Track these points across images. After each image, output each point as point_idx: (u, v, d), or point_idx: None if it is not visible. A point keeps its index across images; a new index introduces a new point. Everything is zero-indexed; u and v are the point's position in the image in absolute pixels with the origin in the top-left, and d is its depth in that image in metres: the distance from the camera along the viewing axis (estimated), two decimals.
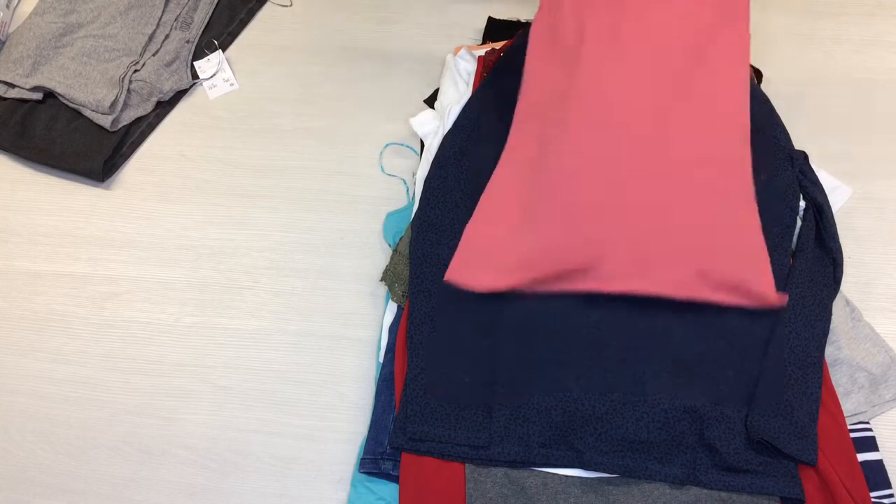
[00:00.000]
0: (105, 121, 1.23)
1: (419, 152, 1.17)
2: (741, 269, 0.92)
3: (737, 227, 0.94)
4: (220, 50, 1.32)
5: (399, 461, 0.90)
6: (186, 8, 1.36)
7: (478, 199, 1.02)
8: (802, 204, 0.99)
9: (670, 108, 1.00)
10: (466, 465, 0.89)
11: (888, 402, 0.91)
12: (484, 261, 0.96)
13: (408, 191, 1.15)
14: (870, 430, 0.90)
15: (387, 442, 0.92)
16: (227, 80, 1.30)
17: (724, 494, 0.85)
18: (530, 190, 0.99)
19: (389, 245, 1.10)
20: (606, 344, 0.92)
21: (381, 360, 1.00)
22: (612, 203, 0.95)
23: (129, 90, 1.26)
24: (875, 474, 0.87)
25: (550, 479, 0.88)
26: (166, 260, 1.14)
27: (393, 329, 1.00)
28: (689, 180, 0.97)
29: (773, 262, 0.95)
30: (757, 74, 1.16)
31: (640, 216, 0.94)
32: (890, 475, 0.88)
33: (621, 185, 0.96)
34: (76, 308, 1.12)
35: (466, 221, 1.00)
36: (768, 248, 0.95)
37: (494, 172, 1.02)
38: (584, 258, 0.93)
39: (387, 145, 1.20)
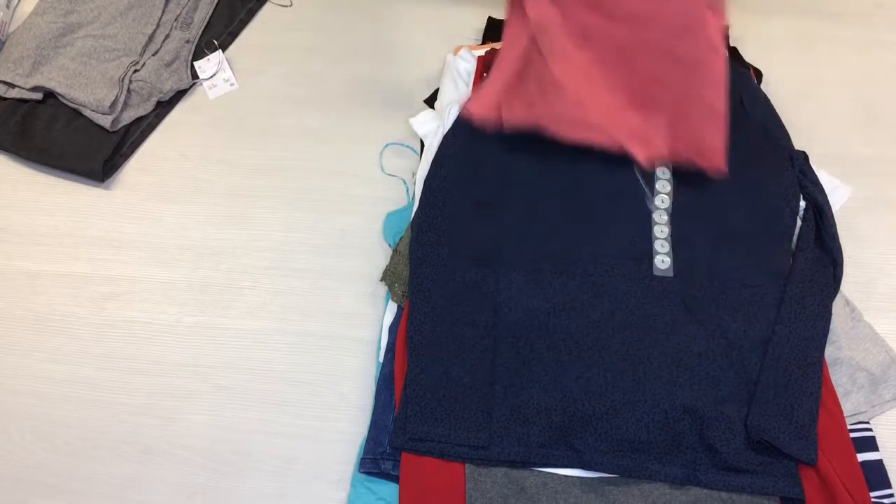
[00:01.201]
0: (105, 121, 1.23)
1: (419, 152, 1.17)
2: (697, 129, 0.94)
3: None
4: (220, 50, 1.32)
5: (399, 461, 0.90)
6: (186, 8, 1.36)
7: (478, 199, 1.02)
8: (802, 204, 0.99)
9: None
10: (466, 464, 0.89)
11: (888, 402, 0.91)
12: (494, 94, 0.99)
13: (408, 191, 1.15)
14: (870, 430, 0.90)
15: (387, 442, 0.92)
16: (227, 80, 1.30)
17: (724, 494, 0.85)
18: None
19: (389, 245, 1.09)
20: (606, 344, 0.92)
21: (381, 360, 1.00)
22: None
23: (129, 90, 1.26)
24: (875, 474, 0.87)
25: (550, 479, 0.88)
26: (166, 260, 1.14)
27: (393, 329, 1.00)
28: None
29: (773, 261, 0.95)
30: (757, 75, 1.16)
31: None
32: (890, 475, 0.88)
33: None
34: (76, 308, 1.12)
35: (466, 221, 1.01)
36: (767, 247, 0.96)
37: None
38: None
39: (387, 145, 1.20)
